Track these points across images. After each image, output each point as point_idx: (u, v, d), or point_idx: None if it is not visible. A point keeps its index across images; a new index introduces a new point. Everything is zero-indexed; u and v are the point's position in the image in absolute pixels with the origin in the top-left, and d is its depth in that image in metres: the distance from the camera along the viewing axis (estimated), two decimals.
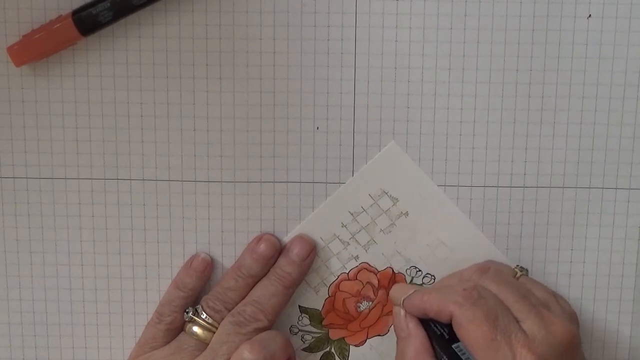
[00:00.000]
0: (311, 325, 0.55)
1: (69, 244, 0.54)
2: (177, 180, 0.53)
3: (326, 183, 0.53)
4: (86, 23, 0.50)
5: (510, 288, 0.49)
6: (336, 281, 0.55)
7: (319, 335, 0.55)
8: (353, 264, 0.54)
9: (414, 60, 0.52)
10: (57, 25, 0.50)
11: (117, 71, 0.52)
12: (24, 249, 0.54)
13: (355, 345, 0.55)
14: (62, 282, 0.55)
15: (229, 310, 0.51)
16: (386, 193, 0.53)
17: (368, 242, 0.54)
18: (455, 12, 0.51)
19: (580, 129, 0.52)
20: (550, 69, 0.52)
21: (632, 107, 0.52)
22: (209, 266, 0.54)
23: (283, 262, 0.53)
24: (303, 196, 0.53)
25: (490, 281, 0.49)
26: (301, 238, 0.53)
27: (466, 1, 0.51)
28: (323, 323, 0.55)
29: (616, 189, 0.53)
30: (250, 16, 0.51)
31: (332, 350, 0.56)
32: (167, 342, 0.52)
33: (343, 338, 0.56)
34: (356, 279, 0.55)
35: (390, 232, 0.54)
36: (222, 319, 0.51)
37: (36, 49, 0.50)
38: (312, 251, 0.53)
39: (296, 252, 0.53)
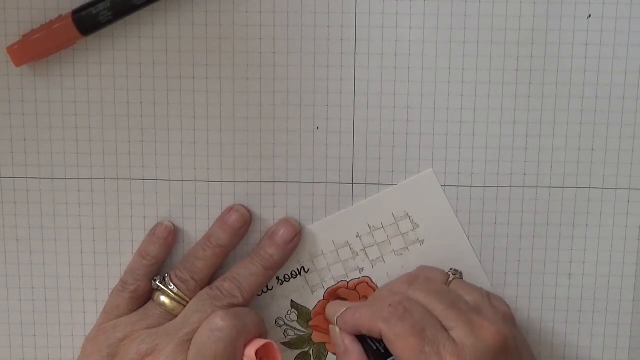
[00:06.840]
0: (297, 323, 0.55)
1: (69, 244, 0.54)
2: (177, 180, 0.53)
3: (326, 183, 0.53)
4: (86, 23, 0.50)
5: (439, 297, 0.49)
6: (334, 287, 0.55)
7: (302, 334, 0.55)
8: (356, 275, 0.54)
9: (414, 60, 0.52)
10: (57, 25, 0.50)
11: (117, 71, 0.52)
12: (24, 249, 0.54)
13: (334, 354, 0.55)
14: (62, 282, 0.55)
15: (196, 281, 0.51)
16: (409, 216, 0.53)
17: (377, 258, 0.54)
18: (455, 12, 0.51)
19: (580, 129, 0.52)
20: (550, 69, 0.52)
21: (632, 107, 0.52)
22: (172, 233, 0.53)
23: (267, 243, 0.53)
24: (303, 196, 0.53)
25: (418, 291, 0.49)
26: (287, 222, 0.53)
27: (466, 1, 0.51)
28: (310, 323, 0.55)
29: (616, 189, 0.53)
30: (250, 16, 0.51)
31: (311, 352, 0.55)
32: (132, 311, 0.52)
33: (324, 343, 0.55)
34: (354, 289, 0.55)
35: (401, 254, 0.54)
36: (189, 289, 0.51)
37: (36, 49, 0.50)
38: (296, 235, 0.53)
39: (280, 234, 0.53)
